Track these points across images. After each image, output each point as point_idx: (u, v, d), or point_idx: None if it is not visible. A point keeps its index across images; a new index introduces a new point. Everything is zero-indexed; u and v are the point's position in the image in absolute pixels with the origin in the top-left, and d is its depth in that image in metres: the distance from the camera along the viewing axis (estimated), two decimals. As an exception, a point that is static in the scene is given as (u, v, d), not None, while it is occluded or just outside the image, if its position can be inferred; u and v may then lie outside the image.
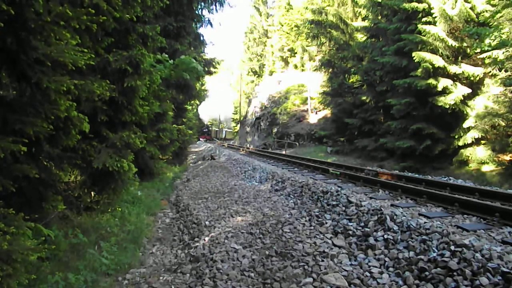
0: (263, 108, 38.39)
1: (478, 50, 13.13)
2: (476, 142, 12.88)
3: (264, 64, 50.47)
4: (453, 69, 13.62)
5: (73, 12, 2.73)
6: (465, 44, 13.91)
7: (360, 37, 21.50)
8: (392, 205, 5.77)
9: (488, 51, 11.94)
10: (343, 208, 5.69)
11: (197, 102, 38.37)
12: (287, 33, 41.21)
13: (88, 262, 4.03)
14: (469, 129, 12.97)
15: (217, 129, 60.71)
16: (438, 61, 13.60)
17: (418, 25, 14.38)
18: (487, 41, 11.91)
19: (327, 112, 26.92)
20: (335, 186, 7.14)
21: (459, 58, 14.26)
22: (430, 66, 13.61)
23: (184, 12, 11.98)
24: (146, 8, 5.51)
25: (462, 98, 13.42)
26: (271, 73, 46.61)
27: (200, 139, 54.97)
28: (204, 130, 61.97)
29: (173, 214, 7.61)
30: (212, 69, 19.80)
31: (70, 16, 2.69)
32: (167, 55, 8.31)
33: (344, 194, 6.20)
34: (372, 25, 19.18)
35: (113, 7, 3.72)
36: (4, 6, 2.22)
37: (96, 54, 4.32)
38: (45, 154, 3.33)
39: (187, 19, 12.35)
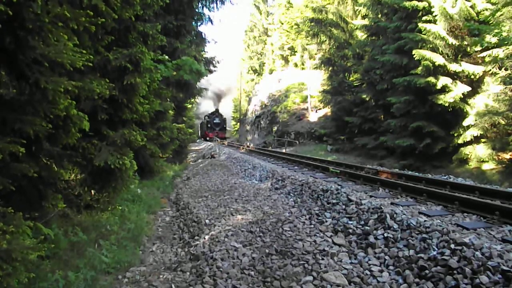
0: (263, 106, 38.38)
1: (479, 48, 13.14)
2: (476, 140, 12.88)
3: (264, 63, 50.43)
4: (453, 67, 13.61)
5: (72, 13, 2.72)
6: (465, 43, 13.90)
7: (360, 35, 21.47)
8: (392, 203, 5.78)
9: (488, 49, 11.94)
10: (343, 206, 5.69)
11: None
12: (287, 31, 41.15)
13: (88, 260, 4.03)
14: (469, 127, 12.98)
15: None
16: (438, 59, 13.59)
17: (418, 24, 14.38)
18: (488, 38, 11.91)
19: (327, 110, 26.90)
20: (335, 185, 7.14)
21: (459, 56, 14.25)
22: (431, 64, 13.60)
23: (184, 11, 11.95)
24: (146, 7, 5.51)
25: (462, 96, 13.43)
26: (271, 71, 46.57)
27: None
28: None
29: (173, 213, 7.61)
30: (212, 67, 19.82)
31: (68, 17, 2.69)
32: (167, 56, 8.32)
33: (344, 193, 6.20)
34: (372, 23, 19.16)
35: (111, 8, 3.70)
36: (2, 7, 2.21)
37: (96, 53, 4.32)
38: (45, 153, 3.32)
39: (187, 17, 12.33)
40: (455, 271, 3.22)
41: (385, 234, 4.36)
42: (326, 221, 5.38)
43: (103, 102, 4.52)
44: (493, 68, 12.42)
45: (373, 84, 18.74)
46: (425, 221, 4.38)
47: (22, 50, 2.58)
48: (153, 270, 4.40)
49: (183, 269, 4.29)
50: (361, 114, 19.72)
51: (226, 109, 60.31)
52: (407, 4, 15.38)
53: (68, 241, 4.16)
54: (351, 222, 5.08)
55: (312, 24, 24.33)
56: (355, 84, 21.06)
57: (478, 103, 13.36)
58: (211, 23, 15.42)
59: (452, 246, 3.55)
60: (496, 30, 11.26)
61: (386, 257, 3.96)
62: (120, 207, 6.01)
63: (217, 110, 43.48)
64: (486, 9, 13.27)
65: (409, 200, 6.21)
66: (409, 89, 14.79)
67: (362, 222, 4.94)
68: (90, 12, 2.91)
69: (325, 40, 23.85)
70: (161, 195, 9.15)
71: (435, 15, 13.89)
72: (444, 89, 13.65)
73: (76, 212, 4.98)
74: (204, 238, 5.10)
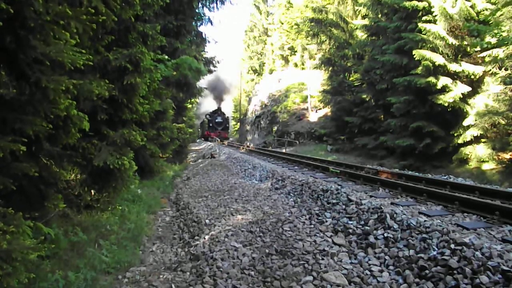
0: (263, 106, 38.37)
1: (479, 48, 13.15)
2: (476, 140, 12.89)
3: (264, 63, 50.43)
4: (453, 67, 13.62)
5: (73, 12, 2.72)
6: (465, 43, 13.91)
7: (360, 35, 21.49)
8: (392, 203, 5.77)
9: (488, 49, 11.94)
10: (343, 206, 5.69)
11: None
12: (287, 31, 41.15)
13: (88, 260, 4.03)
14: (469, 127, 12.98)
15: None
16: (439, 59, 13.60)
17: (418, 24, 14.39)
18: (487, 38, 11.92)
19: (327, 110, 26.92)
20: (335, 185, 7.13)
21: (459, 56, 14.26)
22: (431, 64, 13.61)
23: (184, 11, 11.94)
24: (146, 7, 5.52)
25: (462, 96, 13.44)
26: (271, 71, 46.57)
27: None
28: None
29: (173, 213, 7.61)
30: (212, 67, 19.86)
31: (69, 15, 2.68)
32: (167, 56, 8.33)
33: (344, 193, 6.19)
34: (372, 23, 19.17)
35: (111, 10, 3.70)
36: (3, 5, 2.21)
37: (96, 53, 4.31)
38: (45, 153, 3.32)
39: (187, 17, 12.32)
40: (455, 271, 3.22)
41: (385, 234, 4.36)
42: (326, 221, 5.38)
43: (103, 102, 4.52)
44: (493, 68, 12.43)
45: (373, 84, 18.75)
46: (425, 221, 4.38)
47: (22, 50, 2.57)
48: (153, 270, 4.40)
49: (183, 269, 4.29)
50: (361, 114, 19.73)
51: (226, 109, 60.32)
52: (407, 4, 15.39)
53: (68, 241, 4.16)
54: (351, 222, 5.08)
55: (312, 24, 24.35)
56: (355, 84, 21.08)
57: (478, 103, 13.36)
58: (211, 24, 15.48)
59: (452, 246, 3.55)
60: (495, 30, 11.26)
61: (386, 257, 3.96)
62: (120, 207, 6.01)
63: (219, 109, 40.82)
64: (486, 9, 13.29)
65: (409, 200, 6.21)
66: (409, 89, 14.80)
67: (362, 222, 4.94)
68: (91, 10, 2.90)
69: (325, 40, 23.87)
70: (161, 195, 9.15)
71: (435, 15, 13.90)
72: (444, 89, 13.66)
73: (76, 212, 4.98)
74: (204, 238, 5.10)
